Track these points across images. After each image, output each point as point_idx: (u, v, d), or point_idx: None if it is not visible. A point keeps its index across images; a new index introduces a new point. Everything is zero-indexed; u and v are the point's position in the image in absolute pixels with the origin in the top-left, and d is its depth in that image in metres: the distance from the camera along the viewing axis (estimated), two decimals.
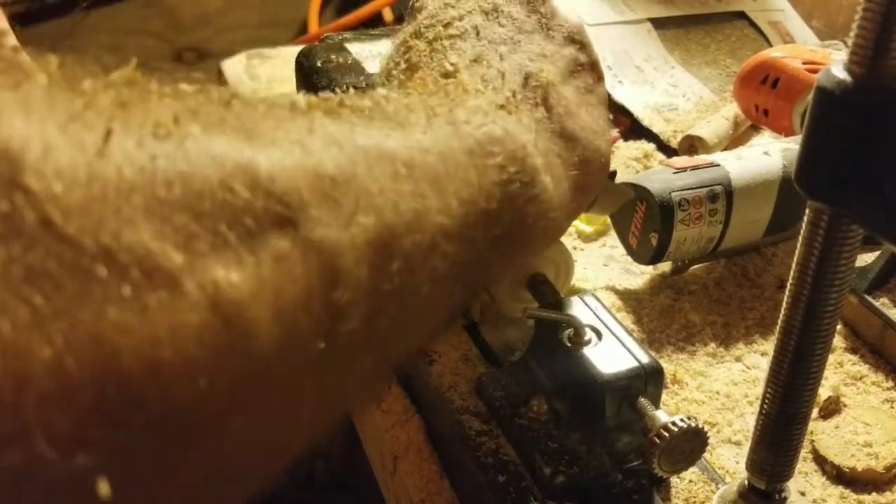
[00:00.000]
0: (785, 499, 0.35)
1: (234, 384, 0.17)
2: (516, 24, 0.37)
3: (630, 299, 0.53)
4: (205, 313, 0.16)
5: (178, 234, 0.17)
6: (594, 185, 0.38)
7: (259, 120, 0.20)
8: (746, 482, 0.35)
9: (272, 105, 0.21)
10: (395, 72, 0.37)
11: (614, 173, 0.50)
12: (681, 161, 0.54)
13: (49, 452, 0.14)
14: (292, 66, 0.66)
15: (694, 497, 0.38)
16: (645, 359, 0.38)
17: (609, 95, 0.75)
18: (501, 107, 0.32)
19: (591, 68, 0.39)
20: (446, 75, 0.34)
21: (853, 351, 0.49)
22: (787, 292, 0.31)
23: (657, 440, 0.34)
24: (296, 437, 0.22)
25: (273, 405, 0.19)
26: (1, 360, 0.14)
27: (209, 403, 0.17)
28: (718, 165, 0.53)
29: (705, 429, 0.35)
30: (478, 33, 0.36)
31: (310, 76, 0.63)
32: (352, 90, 0.27)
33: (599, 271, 0.56)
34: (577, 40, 0.39)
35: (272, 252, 0.18)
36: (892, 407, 0.46)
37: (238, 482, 0.20)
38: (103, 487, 0.15)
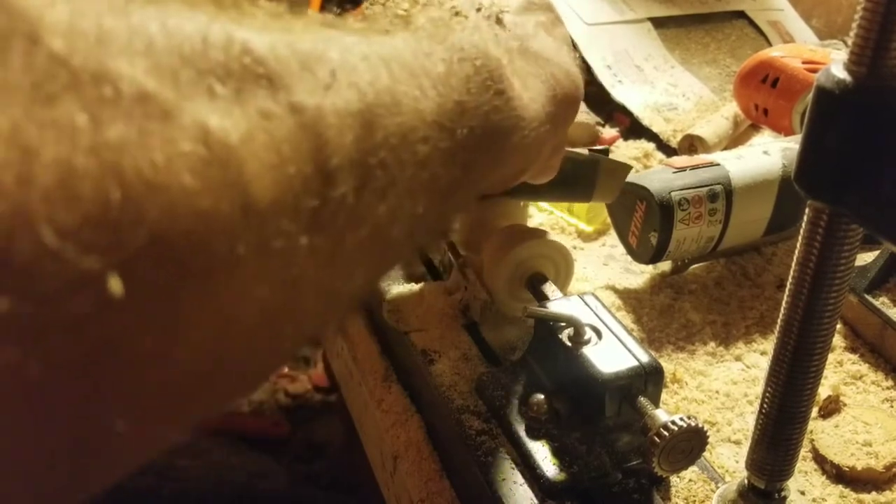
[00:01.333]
0: (784, 498, 0.35)
1: (230, 227, 0.18)
2: None
3: (630, 298, 0.53)
4: (199, 147, 0.17)
5: (166, 73, 0.17)
6: (567, 102, 0.38)
7: (230, 7, 0.21)
8: (746, 481, 0.36)
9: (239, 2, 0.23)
10: None
11: (608, 150, 0.50)
12: (680, 160, 0.54)
13: (57, 245, 0.15)
14: None
15: (694, 496, 0.38)
16: (645, 358, 0.38)
17: (609, 94, 0.76)
18: (457, 14, 0.33)
19: (546, 9, 0.40)
20: (399, 17, 0.35)
21: (853, 350, 0.49)
22: (786, 292, 0.31)
23: (657, 439, 0.34)
24: (296, 308, 0.22)
25: (271, 260, 0.20)
26: (2, 156, 0.14)
27: (209, 240, 0.18)
28: (718, 165, 0.53)
29: (705, 428, 0.35)
30: None
31: None
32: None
33: (599, 270, 0.56)
34: None
35: (258, 108, 0.19)
36: (891, 406, 0.46)
37: (240, 355, 0.21)
38: (115, 284, 0.15)
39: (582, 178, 0.48)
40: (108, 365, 0.16)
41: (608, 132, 0.72)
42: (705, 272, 0.56)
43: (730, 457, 0.42)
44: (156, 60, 0.17)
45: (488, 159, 0.32)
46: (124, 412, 0.17)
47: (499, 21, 0.35)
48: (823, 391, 0.45)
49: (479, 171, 0.32)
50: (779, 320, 0.32)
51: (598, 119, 0.74)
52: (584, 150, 0.48)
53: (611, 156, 0.51)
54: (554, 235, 0.47)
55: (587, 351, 0.38)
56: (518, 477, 0.38)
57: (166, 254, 0.17)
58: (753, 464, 0.35)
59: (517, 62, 0.34)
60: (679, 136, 0.71)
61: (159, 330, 0.17)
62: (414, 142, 0.25)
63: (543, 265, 0.46)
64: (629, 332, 0.40)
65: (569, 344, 0.39)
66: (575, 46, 0.79)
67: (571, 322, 0.39)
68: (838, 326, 0.44)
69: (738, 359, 0.49)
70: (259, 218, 0.19)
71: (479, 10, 0.35)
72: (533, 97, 0.35)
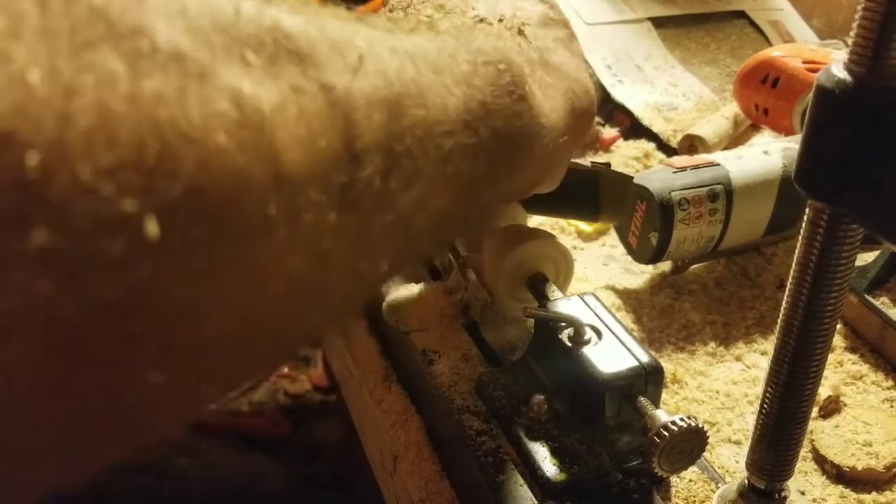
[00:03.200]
0: (785, 498, 0.35)
1: (263, 189, 0.18)
2: None
3: (630, 299, 0.53)
4: (232, 110, 0.18)
5: (200, 36, 0.18)
6: (584, 117, 0.38)
7: None
8: (746, 481, 0.35)
9: None
10: None
11: (609, 164, 0.50)
12: (681, 160, 0.54)
13: (94, 183, 0.15)
14: None
15: (694, 496, 0.38)
16: (645, 358, 0.38)
17: (609, 94, 0.76)
18: (481, 20, 0.34)
19: (563, 25, 0.41)
20: (422, 22, 0.35)
21: (853, 350, 0.49)
22: (786, 292, 0.31)
23: (657, 439, 0.34)
24: (325, 285, 0.22)
25: (303, 230, 0.20)
26: (42, 91, 0.14)
27: (242, 200, 0.18)
28: (718, 165, 0.53)
29: (705, 428, 0.35)
30: None
31: None
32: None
33: (599, 271, 0.56)
34: (546, 0, 0.41)
35: (289, 81, 0.20)
36: (891, 406, 0.46)
37: (272, 324, 0.21)
38: (151, 227, 0.16)
39: (585, 192, 0.48)
40: (143, 311, 0.17)
41: (608, 132, 0.72)
42: (705, 272, 0.56)
43: (730, 457, 0.42)
44: (190, 23, 0.18)
45: (510, 163, 0.32)
46: (159, 363, 0.18)
47: (521, 32, 0.36)
48: (823, 391, 0.45)
49: (502, 173, 0.32)
50: (779, 320, 0.32)
51: (599, 119, 0.74)
52: (585, 162, 0.48)
53: (611, 159, 0.51)
54: (554, 236, 0.47)
55: (587, 351, 0.38)
56: (518, 477, 0.38)
57: (201, 208, 0.17)
58: (753, 464, 0.35)
59: (538, 73, 0.35)
60: (679, 136, 0.70)
61: (194, 283, 0.17)
62: (438, 135, 0.26)
63: (544, 265, 0.46)
64: (629, 332, 0.40)
65: (569, 344, 0.39)
66: None
67: (571, 322, 0.39)
68: (838, 326, 0.44)
69: (738, 359, 0.49)
70: (290, 185, 0.19)
71: (500, 20, 0.36)
72: (553, 107, 0.35)
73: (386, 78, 0.23)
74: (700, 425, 0.35)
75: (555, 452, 0.38)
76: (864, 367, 0.48)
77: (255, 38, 0.19)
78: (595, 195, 0.48)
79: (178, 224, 0.16)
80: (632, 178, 0.50)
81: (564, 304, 0.42)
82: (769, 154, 0.54)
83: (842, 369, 0.48)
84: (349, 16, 0.25)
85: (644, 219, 0.52)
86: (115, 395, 0.17)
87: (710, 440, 0.36)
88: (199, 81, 0.17)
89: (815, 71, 0.64)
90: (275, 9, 0.21)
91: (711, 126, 0.70)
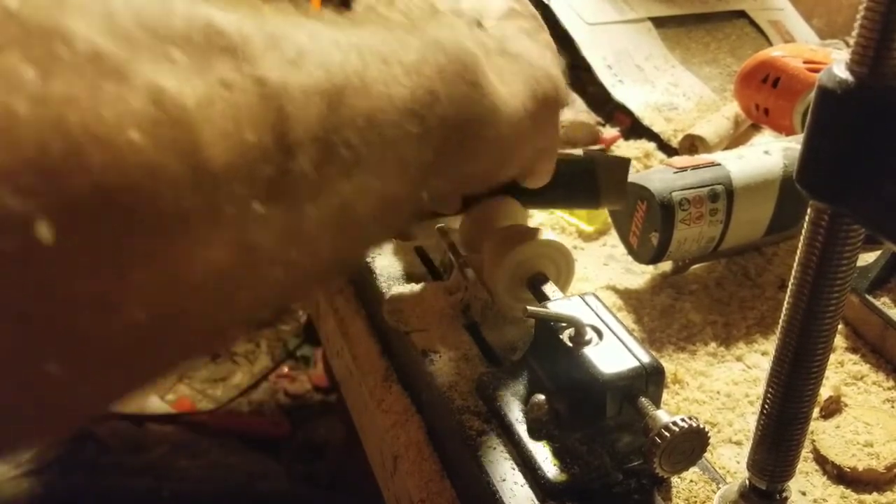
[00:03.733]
0: (786, 499, 0.35)
1: (178, 184, 0.18)
2: None
3: (631, 299, 0.53)
4: (149, 107, 0.18)
5: (120, 35, 0.18)
6: (548, 103, 0.38)
7: None
8: (747, 482, 0.35)
9: None
10: None
11: (604, 150, 0.50)
12: (681, 160, 0.54)
13: None
14: None
15: (695, 497, 0.38)
16: (646, 358, 0.38)
17: (609, 94, 0.76)
18: (435, 13, 0.34)
19: (530, 17, 0.41)
20: (374, 12, 0.36)
21: (854, 350, 0.49)
22: (788, 292, 0.31)
23: (658, 440, 0.34)
24: (252, 275, 0.22)
25: (223, 223, 0.20)
26: None
27: (156, 195, 0.18)
28: (719, 165, 0.53)
29: (706, 429, 0.35)
30: None
31: None
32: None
33: (600, 271, 0.56)
34: None
35: (218, 77, 0.20)
36: (892, 406, 0.46)
37: (190, 313, 0.21)
38: (43, 229, 0.16)
39: (581, 180, 0.48)
40: (43, 305, 0.17)
41: (609, 132, 0.72)
42: (706, 272, 0.56)
43: (731, 457, 0.42)
44: (112, 22, 0.18)
45: (462, 149, 0.32)
46: (59, 355, 0.18)
47: (479, 25, 0.36)
48: (824, 392, 0.45)
49: (453, 159, 0.32)
50: (780, 321, 0.32)
51: (599, 119, 0.74)
52: (578, 151, 0.48)
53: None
54: (554, 235, 0.47)
55: (588, 351, 0.38)
56: (518, 477, 0.38)
57: (111, 204, 0.17)
58: (755, 464, 0.35)
59: (495, 59, 0.35)
60: (680, 136, 0.70)
61: (101, 277, 0.18)
62: (382, 124, 0.26)
63: (544, 265, 0.46)
64: (630, 332, 0.40)
65: (570, 344, 0.39)
66: (574, 47, 0.79)
67: (572, 322, 0.39)
68: (839, 327, 0.44)
69: (739, 359, 0.49)
70: (211, 179, 0.19)
71: (459, 16, 0.36)
72: (512, 93, 0.35)
73: (327, 70, 0.24)
74: (701, 426, 0.35)
75: (555, 453, 0.38)
76: (865, 368, 0.48)
77: (183, 36, 0.19)
78: (593, 182, 0.48)
79: (84, 222, 0.17)
80: (629, 160, 0.49)
81: (565, 304, 0.42)
82: (770, 154, 0.54)
83: (843, 369, 0.48)
84: (293, 11, 0.25)
85: (645, 219, 0.52)
86: (13, 387, 0.17)
87: (710, 441, 0.35)
88: (115, 80, 0.17)
89: (815, 71, 0.64)
90: (209, 6, 0.21)
91: (712, 126, 0.70)
